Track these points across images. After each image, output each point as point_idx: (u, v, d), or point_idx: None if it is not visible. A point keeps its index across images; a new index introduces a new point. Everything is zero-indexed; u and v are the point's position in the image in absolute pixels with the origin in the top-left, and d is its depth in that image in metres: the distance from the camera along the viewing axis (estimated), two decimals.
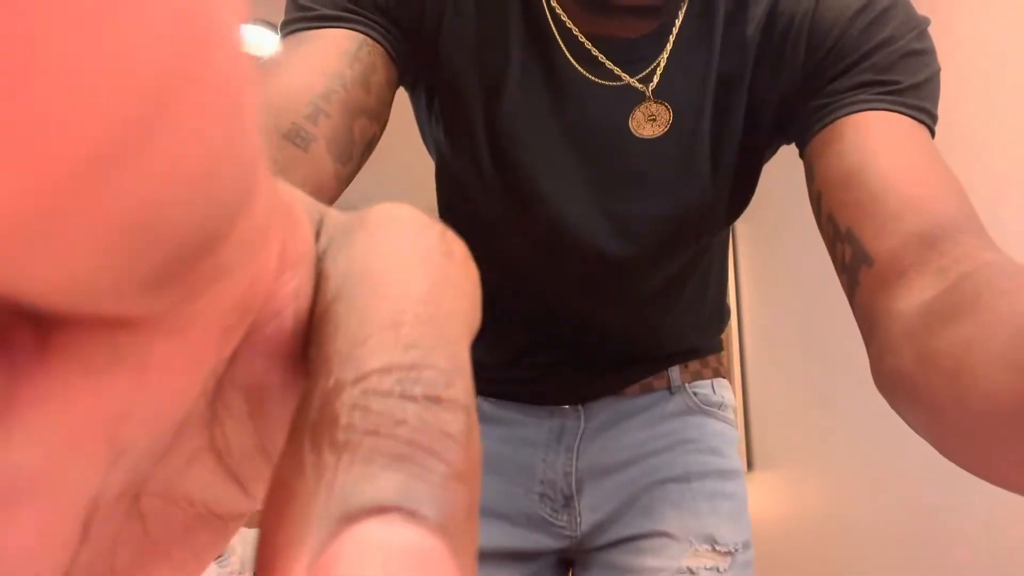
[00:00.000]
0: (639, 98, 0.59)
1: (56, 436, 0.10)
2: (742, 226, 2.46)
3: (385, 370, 0.10)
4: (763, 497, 2.21)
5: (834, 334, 1.76)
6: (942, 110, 1.11)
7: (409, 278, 0.11)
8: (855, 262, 0.49)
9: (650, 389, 0.80)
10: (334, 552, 0.08)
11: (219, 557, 2.13)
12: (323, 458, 0.09)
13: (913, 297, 0.44)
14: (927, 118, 0.57)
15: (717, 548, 0.76)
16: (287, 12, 0.57)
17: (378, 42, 0.55)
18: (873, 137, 0.52)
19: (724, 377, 0.86)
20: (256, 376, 0.12)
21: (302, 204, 0.13)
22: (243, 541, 2.35)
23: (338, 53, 0.52)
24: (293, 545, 0.09)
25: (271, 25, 2.35)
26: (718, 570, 0.75)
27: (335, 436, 0.09)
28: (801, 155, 0.60)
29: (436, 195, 0.75)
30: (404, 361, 0.10)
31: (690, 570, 0.74)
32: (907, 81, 0.56)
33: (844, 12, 0.56)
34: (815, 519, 1.86)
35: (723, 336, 0.92)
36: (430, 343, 0.10)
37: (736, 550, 0.76)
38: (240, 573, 2.13)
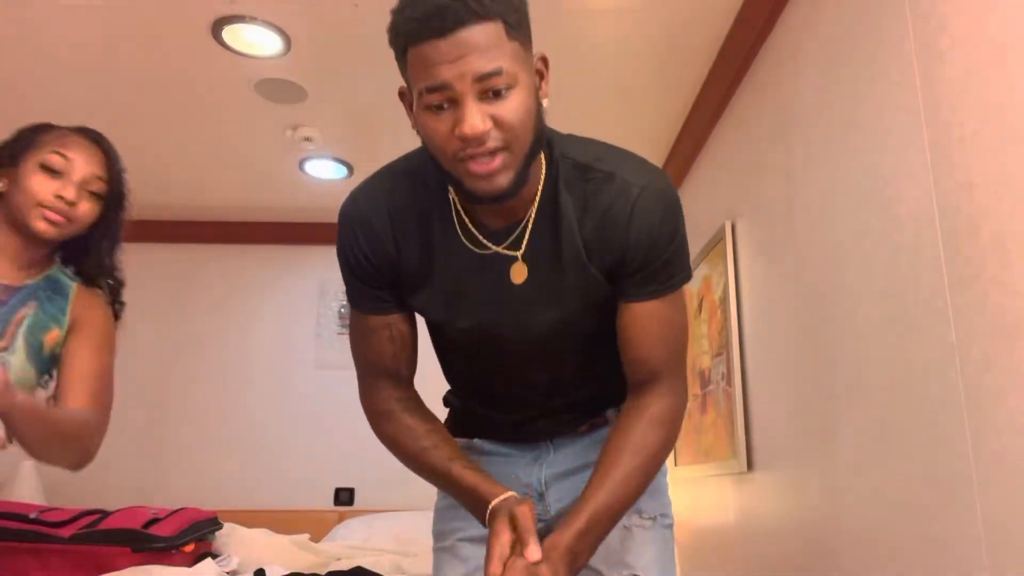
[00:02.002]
0: (513, 260, 1.03)
1: None
2: (742, 228, 2.46)
3: None
4: (763, 497, 2.21)
5: (833, 336, 1.76)
6: (942, 111, 1.10)
7: None
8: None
9: (594, 426, 1.24)
10: None
11: (218, 557, 2.13)
12: None
13: (628, 400, 1.09)
14: (672, 283, 1.05)
15: (642, 516, 1.19)
16: (347, 290, 1.11)
17: (394, 312, 1.10)
18: (637, 320, 1.04)
19: None
20: None
21: None
22: (242, 542, 2.35)
23: (385, 341, 1.11)
24: None
25: (274, 27, 2.35)
26: (644, 527, 1.19)
27: None
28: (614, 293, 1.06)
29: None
30: None
31: (625, 527, 1.18)
32: (664, 277, 1.03)
33: (642, 236, 0.99)
34: (815, 519, 1.86)
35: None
36: None
37: (655, 517, 1.21)
38: (239, 573, 2.13)
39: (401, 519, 3.17)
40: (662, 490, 1.25)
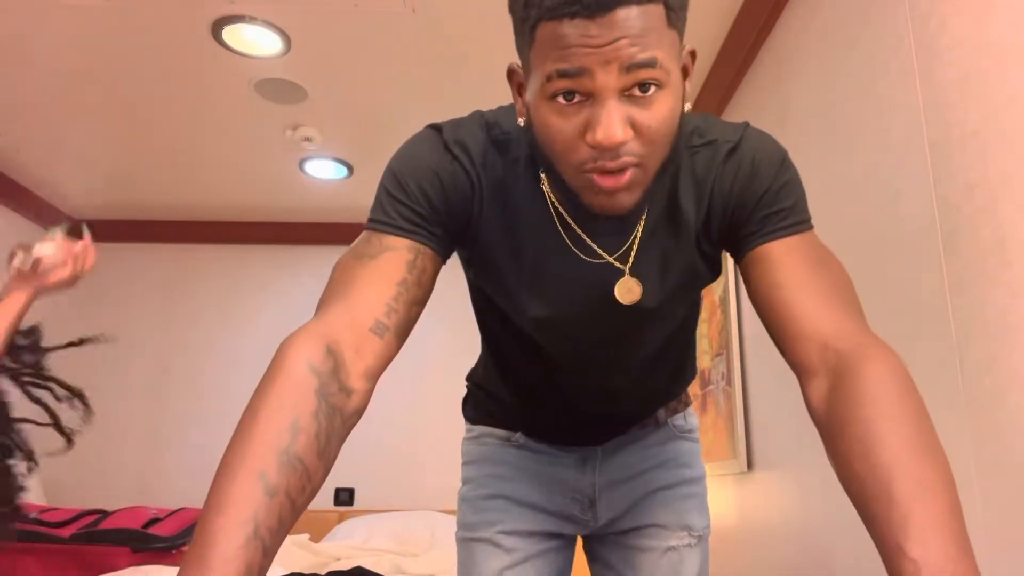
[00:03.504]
0: (619, 273, 0.87)
1: None
2: None
3: None
4: (763, 497, 2.21)
5: None
6: (942, 111, 1.10)
7: None
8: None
9: (644, 425, 1.16)
10: None
11: None
12: None
13: (817, 391, 0.74)
14: (803, 219, 0.85)
15: (692, 533, 1.14)
16: (377, 211, 0.84)
17: (431, 248, 0.84)
18: (780, 266, 0.81)
19: (691, 403, 1.25)
20: None
21: None
22: None
23: (404, 263, 0.81)
24: None
25: (274, 27, 2.35)
26: (690, 545, 1.14)
27: None
28: (737, 263, 0.88)
29: (476, 320, 1.09)
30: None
31: (673, 547, 1.13)
32: (792, 214, 0.84)
33: (749, 178, 0.85)
34: (815, 519, 1.86)
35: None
36: None
37: (703, 533, 1.16)
38: None
39: (401, 519, 3.17)
40: (705, 499, 1.21)
